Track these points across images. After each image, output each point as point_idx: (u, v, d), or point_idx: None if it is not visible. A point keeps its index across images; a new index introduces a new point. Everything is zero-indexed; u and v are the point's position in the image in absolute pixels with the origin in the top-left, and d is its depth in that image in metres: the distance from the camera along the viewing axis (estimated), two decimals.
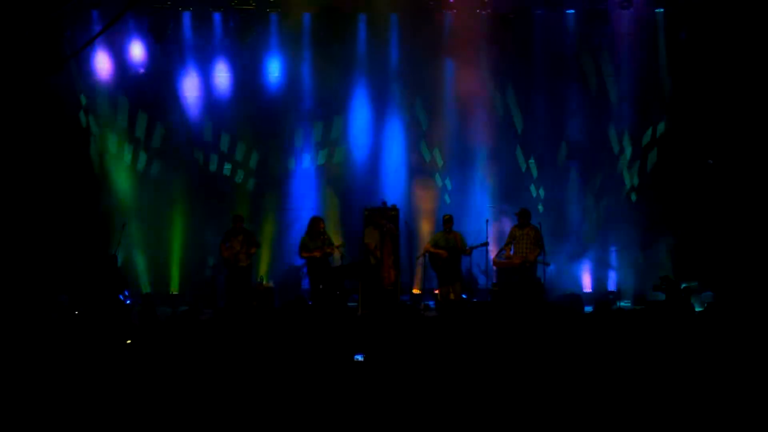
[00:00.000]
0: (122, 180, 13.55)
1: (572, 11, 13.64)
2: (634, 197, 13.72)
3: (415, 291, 13.41)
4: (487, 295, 12.48)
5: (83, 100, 13.46)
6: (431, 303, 12.87)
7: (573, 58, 13.66)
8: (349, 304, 12.35)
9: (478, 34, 13.46)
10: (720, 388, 5.48)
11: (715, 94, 13.20)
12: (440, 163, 13.91)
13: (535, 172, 13.87)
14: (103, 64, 13.44)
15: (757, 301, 11.20)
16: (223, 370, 5.85)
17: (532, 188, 13.84)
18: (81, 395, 5.58)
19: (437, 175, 13.93)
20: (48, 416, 5.46)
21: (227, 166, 13.80)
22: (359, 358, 5.85)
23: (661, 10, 13.50)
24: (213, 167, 13.78)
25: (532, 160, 13.84)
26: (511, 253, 12.22)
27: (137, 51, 13.50)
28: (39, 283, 12.45)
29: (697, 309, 10.02)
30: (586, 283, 13.63)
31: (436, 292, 12.45)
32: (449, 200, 13.82)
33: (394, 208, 12.96)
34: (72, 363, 6.02)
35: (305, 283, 12.84)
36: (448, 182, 13.93)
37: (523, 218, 12.27)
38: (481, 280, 13.19)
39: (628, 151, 13.74)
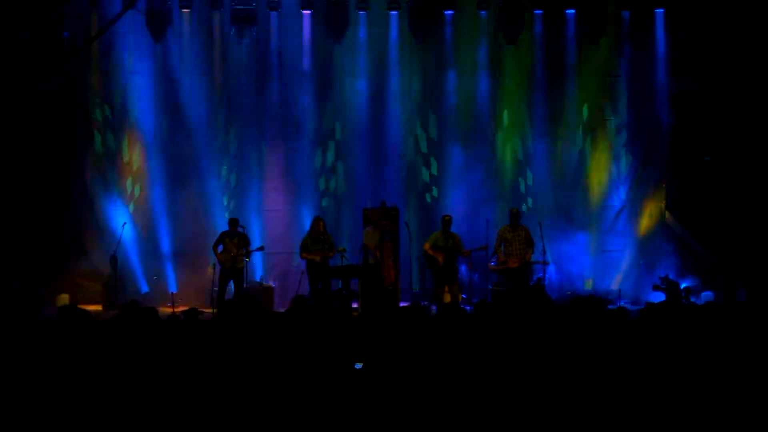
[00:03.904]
0: (121, 178, 13.58)
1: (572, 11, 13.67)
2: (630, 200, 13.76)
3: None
4: (487, 296, 12.48)
5: (84, 99, 13.46)
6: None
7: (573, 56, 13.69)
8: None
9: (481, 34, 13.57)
10: (720, 388, 5.47)
11: (714, 92, 13.27)
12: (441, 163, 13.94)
13: (530, 177, 13.87)
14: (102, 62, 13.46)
15: (757, 300, 11.21)
16: (220, 371, 5.83)
17: (529, 187, 13.85)
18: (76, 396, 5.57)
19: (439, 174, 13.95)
20: (41, 416, 5.44)
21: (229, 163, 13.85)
22: (359, 366, 5.83)
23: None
24: (211, 165, 13.79)
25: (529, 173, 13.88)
26: (503, 254, 12.22)
27: (138, 49, 13.50)
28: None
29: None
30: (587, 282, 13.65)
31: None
32: (448, 201, 13.79)
33: (394, 208, 12.95)
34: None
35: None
36: (447, 181, 13.92)
37: (515, 219, 12.26)
38: (481, 281, 13.17)
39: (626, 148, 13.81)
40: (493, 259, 12.37)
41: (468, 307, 10.99)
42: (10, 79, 12.47)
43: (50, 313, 11.06)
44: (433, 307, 12.48)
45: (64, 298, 12.60)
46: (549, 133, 13.77)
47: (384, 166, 13.76)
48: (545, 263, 12.30)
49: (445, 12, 13.63)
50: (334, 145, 13.86)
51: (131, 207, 13.53)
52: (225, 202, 13.70)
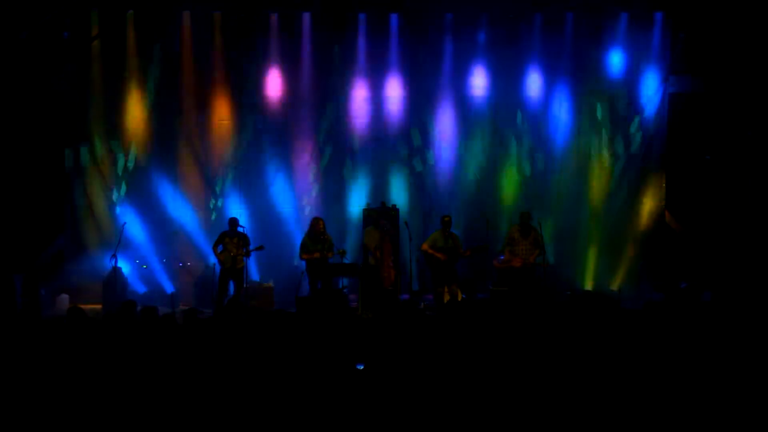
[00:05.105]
0: (121, 178, 13.59)
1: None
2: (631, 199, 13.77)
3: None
4: (488, 295, 12.47)
5: (83, 98, 13.48)
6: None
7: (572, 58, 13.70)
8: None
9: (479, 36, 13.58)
10: (720, 388, 5.48)
11: (714, 91, 13.29)
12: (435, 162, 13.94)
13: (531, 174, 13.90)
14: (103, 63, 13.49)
15: (756, 300, 11.21)
16: (221, 371, 5.83)
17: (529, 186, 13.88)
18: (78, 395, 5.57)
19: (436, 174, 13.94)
20: (43, 416, 5.44)
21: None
22: (361, 367, 5.83)
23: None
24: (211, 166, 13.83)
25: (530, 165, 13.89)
26: (509, 253, 12.23)
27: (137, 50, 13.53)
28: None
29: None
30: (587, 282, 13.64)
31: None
32: (446, 200, 13.81)
33: (394, 208, 12.92)
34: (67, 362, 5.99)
35: None
36: (445, 181, 13.91)
37: (526, 220, 12.28)
38: (481, 281, 13.15)
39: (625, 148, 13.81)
40: (500, 258, 12.37)
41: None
42: (10, 78, 12.50)
43: (50, 313, 11.15)
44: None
45: (64, 298, 12.63)
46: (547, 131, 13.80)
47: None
48: (546, 264, 12.28)
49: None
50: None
51: (131, 206, 13.54)
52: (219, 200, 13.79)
